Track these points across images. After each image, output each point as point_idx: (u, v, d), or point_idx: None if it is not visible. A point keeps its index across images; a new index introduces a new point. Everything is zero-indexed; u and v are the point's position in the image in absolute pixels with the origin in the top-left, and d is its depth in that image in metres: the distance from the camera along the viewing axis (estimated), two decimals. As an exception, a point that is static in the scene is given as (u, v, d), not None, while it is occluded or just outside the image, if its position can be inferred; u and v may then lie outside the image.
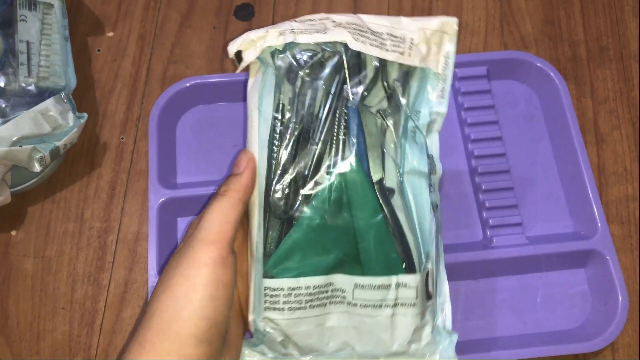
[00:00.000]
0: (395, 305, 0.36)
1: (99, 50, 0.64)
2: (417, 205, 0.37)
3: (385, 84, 0.38)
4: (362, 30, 0.37)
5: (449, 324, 0.39)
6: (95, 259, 0.56)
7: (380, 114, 0.38)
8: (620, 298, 0.52)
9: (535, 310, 0.54)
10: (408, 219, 0.37)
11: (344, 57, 0.36)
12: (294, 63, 0.37)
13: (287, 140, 0.37)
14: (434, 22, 0.39)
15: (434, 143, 0.40)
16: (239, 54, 0.37)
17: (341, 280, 0.36)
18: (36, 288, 0.55)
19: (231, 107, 0.61)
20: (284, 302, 0.36)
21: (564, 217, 0.58)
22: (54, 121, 0.54)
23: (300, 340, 0.37)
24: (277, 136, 0.37)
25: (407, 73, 0.38)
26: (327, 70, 0.36)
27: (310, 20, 0.38)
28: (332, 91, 0.36)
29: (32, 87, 0.55)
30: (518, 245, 0.53)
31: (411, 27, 0.38)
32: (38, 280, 0.55)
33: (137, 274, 0.55)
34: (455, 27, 0.39)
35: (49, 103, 0.54)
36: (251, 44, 0.37)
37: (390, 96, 0.38)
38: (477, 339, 0.53)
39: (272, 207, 0.37)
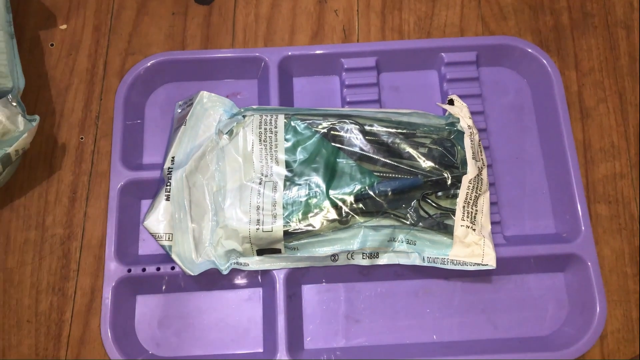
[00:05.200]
0: None
1: (52, 45, 0.58)
2: None
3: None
4: None
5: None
6: (59, 267, 0.52)
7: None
8: (598, 308, 0.47)
9: (507, 314, 0.49)
10: None
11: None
12: None
13: None
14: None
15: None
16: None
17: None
18: (-1, 301, 0.51)
19: (203, 86, 0.55)
20: None
21: (546, 217, 0.52)
22: (2, 126, 0.49)
23: None
24: None
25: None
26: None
27: None
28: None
29: (-25, 92, 0.50)
30: (495, 245, 0.47)
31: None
32: (0, 294, 0.51)
33: (103, 281, 0.52)
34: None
35: (-6, 108, 0.49)
36: None
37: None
38: (445, 340, 0.48)
39: None
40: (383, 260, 0.48)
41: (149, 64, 0.54)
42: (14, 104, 0.50)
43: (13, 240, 0.52)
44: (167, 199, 0.48)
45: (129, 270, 0.48)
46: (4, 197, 0.54)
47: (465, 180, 0.47)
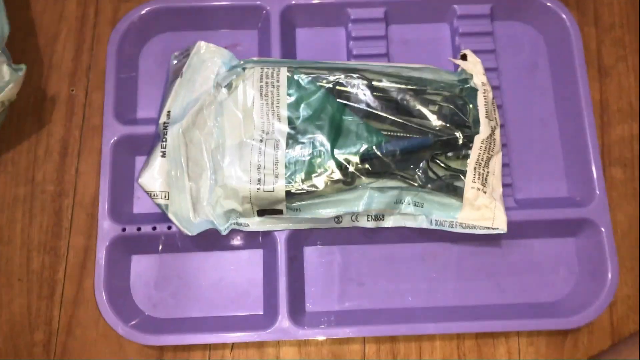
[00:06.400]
0: None
1: (38, -11, 0.55)
2: None
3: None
4: None
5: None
6: (51, 225, 0.50)
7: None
8: (609, 275, 0.45)
9: (516, 279, 0.48)
10: None
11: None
12: None
13: None
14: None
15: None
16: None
17: None
18: (-12, 259, 0.49)
19: (201, 36, 0.51)
20: None
21: (559, 180, 0.50)
22: (-14, 76, 0.47)
23: None
24: None
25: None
26: None
27: None
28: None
29: (-44, 38, 0.47)
30: (505, 209, 0.45)
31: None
32: (-10, 251, 0.49)
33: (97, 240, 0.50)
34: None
35: (-23, 55, 0.46)
36: None
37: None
38: (450, 305, 0.47)
39: None
40: (389, 222, 0.46)
41: (143, 12, 0.51)
42: (-1, 51, 0.47)
43: (1, 196, 0.50)
44: (163, 155, 0.46)
45: (124, 230, 0.47)
46: (-9, 151, 0.51)
47: (478, 140, 0.45)
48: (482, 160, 0.45)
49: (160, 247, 0.48)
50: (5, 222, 0.50)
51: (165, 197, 0.46)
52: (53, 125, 0.52)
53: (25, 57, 0.53)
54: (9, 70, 0.47)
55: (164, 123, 0.47)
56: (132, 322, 0.45)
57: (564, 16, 0.51)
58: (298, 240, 0.48)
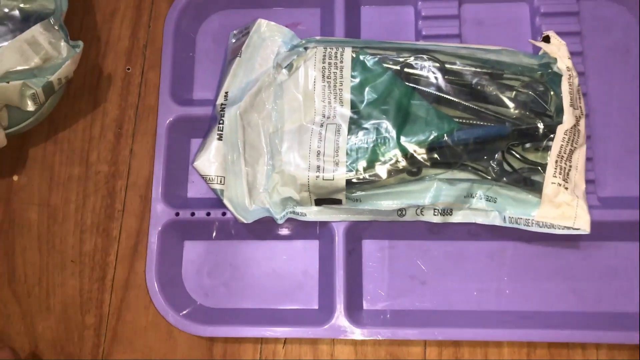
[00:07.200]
0: None
1: (97, -36, 0.54)
2: None
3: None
4: None
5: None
6: (104, 207, 0.49)
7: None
8: None
9: (596, 285, 0.44)
10: None
11: None
12: None
13: None
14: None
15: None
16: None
17: None
18: (42, 239, 0.48)
19: (261, 14, 0.49)
20: None
21: (651, 178, 0.45)
22: (44, 52, 0.45)
23: None
24: None
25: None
26: None
27: None
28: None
29: (15, 12, 0.46)
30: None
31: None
32: (44, 231, 0.49)
33: (149, 224, 0.48)
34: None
35: (35, 30, 0.45)
36: None
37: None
38: (521, 310, 0.43)
39: None
40: (457, 217, 0.42)
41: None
42: (56, 27, 0.46)
43: (57, 175, 0.50)
44: (220, 138, 0.44)
45: (177, 214, 0.45)
46: (49, 129, 0.51)
47: (561, 130, 0.41)
48: (565, 153, 0.41)
49: (214, 234, 0.46)
50: (60, 202, 0.49)
51: (220, 182, 0.44)
52: (108, 105, 0.51)
53: (83, 35, 0.52)
54: (66, 47, 0.46)
55: (221, 104, 0.45)
56: (183, 312, 0.44)
57: (662, -5, 0.46)
58: (357, 232, 0.45)
